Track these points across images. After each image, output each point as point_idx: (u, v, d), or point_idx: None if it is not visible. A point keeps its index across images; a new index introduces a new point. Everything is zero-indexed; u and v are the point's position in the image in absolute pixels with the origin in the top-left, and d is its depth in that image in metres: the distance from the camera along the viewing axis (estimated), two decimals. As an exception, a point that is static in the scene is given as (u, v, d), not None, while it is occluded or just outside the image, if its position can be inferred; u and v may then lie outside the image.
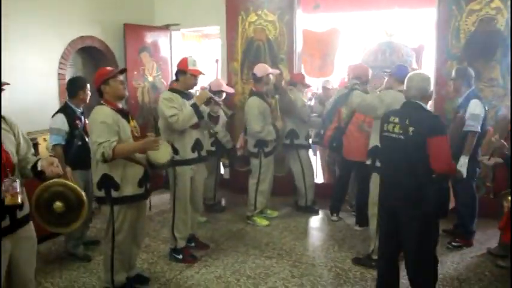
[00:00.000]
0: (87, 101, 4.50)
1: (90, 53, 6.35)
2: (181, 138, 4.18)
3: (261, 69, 5.31)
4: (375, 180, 4.04)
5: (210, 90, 5.31)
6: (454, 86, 4.68)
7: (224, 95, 5.81)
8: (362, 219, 5.08)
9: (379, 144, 3.95)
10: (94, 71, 6.26)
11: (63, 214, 2.74)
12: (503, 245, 4.30)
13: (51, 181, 2.64)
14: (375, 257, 4.12)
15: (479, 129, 4.37)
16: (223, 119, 5.44)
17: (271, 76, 5.35)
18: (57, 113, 4.32)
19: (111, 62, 6.28)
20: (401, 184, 3.09)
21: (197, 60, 4.26)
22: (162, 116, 4.11)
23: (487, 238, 4.77)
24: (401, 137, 3.05)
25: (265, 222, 5.45)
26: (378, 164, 4.00)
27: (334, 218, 5.54)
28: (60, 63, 5.64)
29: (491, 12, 5.29)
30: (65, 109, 4.35)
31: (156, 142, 3.43)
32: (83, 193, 2.78)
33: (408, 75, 3.26)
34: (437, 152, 2.95)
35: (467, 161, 4.33)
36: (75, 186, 2.76)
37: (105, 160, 3.28)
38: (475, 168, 4.53)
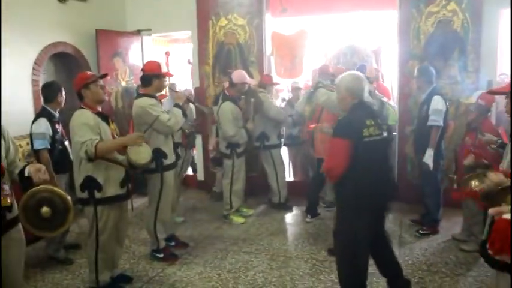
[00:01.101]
0: (63, 105, 4.56)
1: (63, 59, 6.38)
2: (167, 142, 4.32)
3: (239, 76, 5.45)
4: None
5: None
6: (417, 83, 4.98)
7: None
8: (313, 210, 5.53)
9: None
10: (67, 77, 6.38)
11: (50, 219, 2.80)
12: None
13: (39, 187, 2.69)
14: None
15: (442, 123, 4.65)
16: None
17: (246, 85, 5.49)
18: (38, 117, 4.36)
19: (84, 67, 6.33)
20: (386, 181, 3.29)
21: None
22: (151, 122, 4.10)
23: (451, 225, 5.08)
24: (381, 136, 3.15)
25: (241, 220, 5.62)
26: None
27: (308, 219, 5.60)
28: (34, 69, 5.67)
29: (448, 14, 5.62)
30: (45, 114, 4.39)
31: (140, 138, 3.58)
32: (69, 198, 2.85)
33: (340, 76, 3.37)
34: None
35: (432, 153, 4.63)
36: (62, 192, 2.82)
37: (88, 158, 3.38)
38: (439, 161, 4.81)
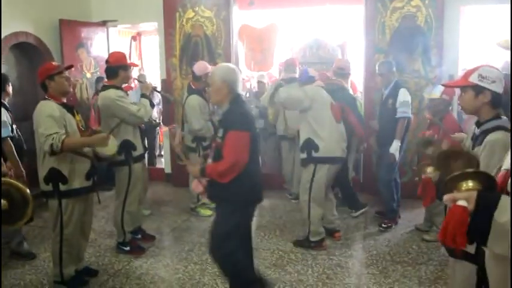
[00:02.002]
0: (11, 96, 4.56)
1: (25, 50, 6.21)
2: (135, 134, 4.28)
3: (200, 67, 5.37)
4: (309, 169, 4.37)
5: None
6: (382, 80, 4.98)
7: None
8: (353, 204, 5.45)
9: (310, 136, 4.29)
10: (29, 68, 6.21)
11: (8, 212, 2.73)
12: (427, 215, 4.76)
13: None
14: (312, 238, 4.44)
15: (410, 114, 4.80)
16: None
17: (210, 75, 5.44)
18: None
19: (47, 58, 6.17)
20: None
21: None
22: (123, 114, 4.08)
23: (414, 216, 5.22)
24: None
25: (208, 212, 5.60)
26: (314, 154, 4.30)
27: (354, 214, 5.44)
28: (-7, 59, 5.50)
29: (412, 9, 5.75)
30: (0, 103, 4.28)
31: (106, 139, 3.55)
32: (28, 191, 2.79)
33: (216, 66, 3.40)
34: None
35: (399, 144, 4.73)
36: (20, 184, 2.75)
37: (52, 152, 3.31)
38: (400, 153, 4.87)
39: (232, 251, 3.08)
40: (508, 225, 1.34)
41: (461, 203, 1.41)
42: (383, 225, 4.96)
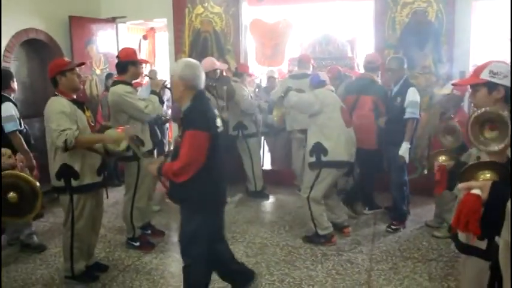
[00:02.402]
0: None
1: (35, 46, 6.25)
2: (144, 129, 4.29)
3: (208, 64, 5.31)
4: (314, 171, 4.38)
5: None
6: (392, 75, 4.78)
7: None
8: (368, 202, 5.37)
9: (319, 140, 4.27)
10: (39, 65, 6.26)
11: (18, 205, 2.74)
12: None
13: (4, 172, 2.65)
14: (321, 232, 4.43)
15: (418, 115, 4.61)
16: None
17: (218, 71, 5.41)
18: (3, 102, 4.26)
19: (57, 54, 6.20)
20: (224, 176, 3.26)
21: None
22: (130, 110, 4.10)
23: (424, 213, 5.19)
24: (220, 128, 3.08)
25: None
26: (323, 158, 4.30)
27: (366, 211, 5.38)
28: (4, 56, 5.55)
29: (423, 5, 5.71)
30: (7, 98, 4.32)
31: (119, 139, 3.60)
32: (38, 184, 2.80)
33: (176, 62, 3.18)
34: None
35: (408, 146, 4.61)
36: (30, 177, 2.77)
37: (66, 148, 3.33)
38: (410, 153, 4.75)
39: (194, 259, 3.01)
40: None
41: (476, 191, 1.42)
42: (392, 226, 4.84)
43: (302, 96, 4.46)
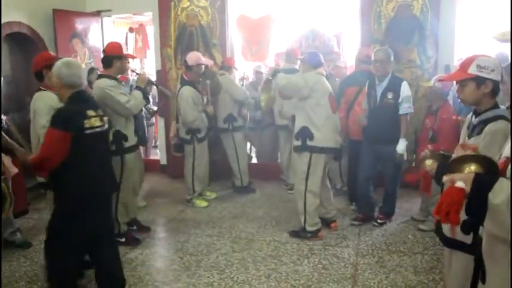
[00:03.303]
0: None
1: (18, 40, 6.15)
2: (128, 125, 4.25)
3: (193, 58, 5.30)
4: (304, 159, 4.35)
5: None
6: (378, 68, 4.51)
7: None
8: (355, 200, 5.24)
9: (306, 125, 4.27)
10: (22, 58, 6.16)
11: None
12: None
13: None
14: (309, 228, 4.43)
15: (412, 110, 4.51)
16: None
17: (202, 66, 5.37)
18: None
19: (41, 48, 6.09)
20: (107, 175, 3.33)
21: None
22: (112, 104, 4.06)
23: (410, 206, 5.23)
24: (102, 128, 3.15)
25: (204, 203, 5.60)
26: (308, 143, 4.29)
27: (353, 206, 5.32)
28: (-13, 50, 5.44)
29: (408, -1, 5.72)
30: None
31: None
32: (6, 187, 2.73)
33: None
34: None
35: (406, 143, 4.48)
36: None
37: None
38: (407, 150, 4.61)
39: (53, 254, 3.11)
40: (503, 206, 1.37)
41: (459, 184, 1.44)
42: (378, 220, 4.80)
43: (291, 78, 4.38)
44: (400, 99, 4.42)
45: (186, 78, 5.35)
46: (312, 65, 4.43)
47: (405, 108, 4.42)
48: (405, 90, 4.43)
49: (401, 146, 4.45)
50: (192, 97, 5.22)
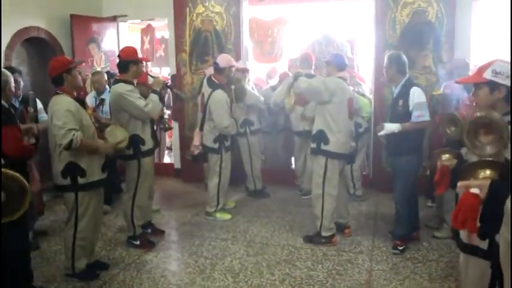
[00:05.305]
0: None
1: (36, 45, 6.25)
2: (144, 129, 4.30)
3: (224, 60, 5.07)
4: (320, 162, 4.35)
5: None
6: (387, 75, 4.33)
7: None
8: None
9: (323, 129, 4.28)
10: (39, 63, 6.24)
11: (6, 203, 2.70)
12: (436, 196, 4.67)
13: None
14: (324, 233, 4.43)
15: (428, 117, 4.09)
16: None
17: (233, 69, 5.18)
18: None
19: (59, 53, 6.20)
20: None
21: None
22: (130, 108, 4.11)
23: (424, 213, 5.15)
24: None
25: (227, 215, 5.32)
26: (323, 147, 4.30)
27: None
28: (6, 54, 5.55)
29: (423, 5, 5.72)
30: None
31: (112, 149, 3.72)
32: (25, 180, 2.76)
33: None
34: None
35: (394, 127, 4.11)
36: (17, 174, 2.72)
37: (68, 147, 3.34)
38: (419, 163, 4.28)
39: None
40: None
41: (474, 190, 1.44)
42: (398, 247, 4.29)
43: (312, 82, 4.40)
44: (411, 107, 4.08)
45: (216, 81, 5.05)
46: (337, 67, 4.43)
47: (415, 116, 4.05)
48: (415, 96, 4.05)
49: (390, 127, 4.13)
50: (226, 101, 5.00)
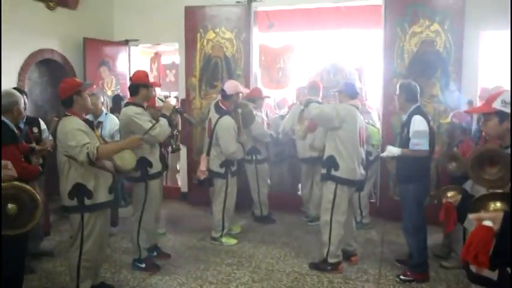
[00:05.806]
0: None
1: (48, 66, 6.36)
2: (153, 151, 4.33)
3: (232, 87, 5.12)
4: (329, 188, 4.35)
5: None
6: (398, 102, 4.38)
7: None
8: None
9: (334, 154, 4.29)
10: (51, 84, 6.34)
11: (17, 216, 2.71)
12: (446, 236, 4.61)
13: (4, 184, 2.61)
14: (330, 260, 4.40)
15: (427, 146, 4.07)
16: None
17: (240, 95, 5.25)
18: None
19: (71, 75, 6.32)
20: None
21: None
22: (138, 131, 4.13)
23: (432, 243, 5.11)
24: None
25: (233, 240, 5.31)
26: (333, 172, 4.30)
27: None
28: (19, 75, 5.65)
29: (431, 34, 5.78)
30: None
31: (139, 140, 3.71)
32: (36, 193, 2.77)
33: None
34: None
35: (395, 151, 4.16)
36: (28, 187, 2.73)
37: (90, 161, 3.35)
38: (425, 193, 4.26)
39: None
40: None
41: (487, 223, 1.43)
42: (401, 276, 4.26)
43: (323, 109, 4.46)
44: (410, 134, 4.08)
45: (223, 107, 5.11)
46: (348, 95, 4.49)
47: (413, 144, 4.04)
48: (415, 124, 4.05)
49: (392, 150, 4.19)
50: (234, 127, 5.05)
